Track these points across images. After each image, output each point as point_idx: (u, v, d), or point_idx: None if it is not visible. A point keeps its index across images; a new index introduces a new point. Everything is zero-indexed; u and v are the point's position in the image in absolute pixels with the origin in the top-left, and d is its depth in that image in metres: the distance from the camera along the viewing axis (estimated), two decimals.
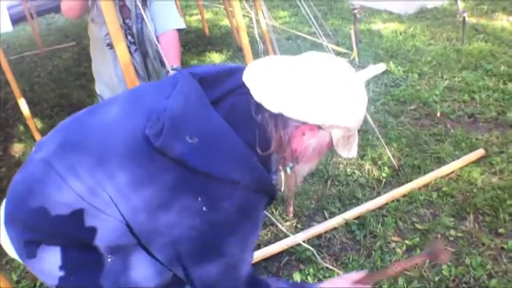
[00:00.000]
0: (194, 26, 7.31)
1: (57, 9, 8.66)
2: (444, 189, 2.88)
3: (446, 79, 4.35)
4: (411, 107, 3.95)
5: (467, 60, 4.68)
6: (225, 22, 7.00)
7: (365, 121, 3.21)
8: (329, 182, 3.07)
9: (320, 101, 1.04)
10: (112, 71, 2.43)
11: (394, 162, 3.15)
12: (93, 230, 1.09)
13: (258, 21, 4.94)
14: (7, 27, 8.61)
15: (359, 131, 1.24)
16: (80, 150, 1.11)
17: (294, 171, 1.18)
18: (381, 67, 4.70)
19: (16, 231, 1.16)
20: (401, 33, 5.75)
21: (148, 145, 1.04)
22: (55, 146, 1.15)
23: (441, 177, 2.99)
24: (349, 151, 1.18)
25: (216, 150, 1.03)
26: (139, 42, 2.40)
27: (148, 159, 1.05)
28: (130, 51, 2.38)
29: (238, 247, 1.11)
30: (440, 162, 3.16)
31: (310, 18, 4.03)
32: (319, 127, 1.08)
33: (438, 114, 3.78)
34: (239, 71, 1.15)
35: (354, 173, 3.14)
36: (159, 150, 1.03)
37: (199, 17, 7.30)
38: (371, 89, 4.29)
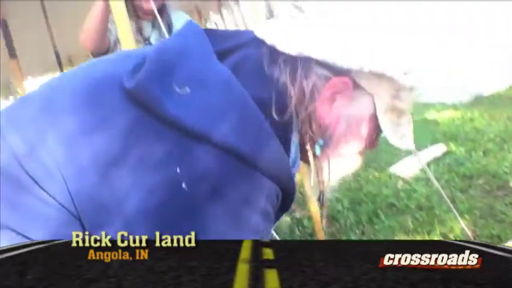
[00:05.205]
0: None
1: None
2: None
3: None
4: (480, 181, 3.61)
5: None
6: None
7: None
8: None
9: (354, 37, 0.77)
10: None
11: (469, 234, 2.78)
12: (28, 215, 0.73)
13: None
14: None
15: None
16: (28, 100, 0.85)
17: (326, 156, 0.84)
18: (440, 148, 4.44)
19: None
20: (457, 119, 5.52)
21: (112, 86, 0.76)
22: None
23: None
24: (401, 137, 0.85)
25: (212, 106, 0.73)
26: None
27: (108, 99, 0.75)
28: None
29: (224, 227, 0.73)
30: None
31: None
32: (355, 83, 0.79)
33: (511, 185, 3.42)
34: (250, 32, 0.88)
35: None
36: (130, 94, 0.73)
37: None
38: (432, 169, 4.00)
